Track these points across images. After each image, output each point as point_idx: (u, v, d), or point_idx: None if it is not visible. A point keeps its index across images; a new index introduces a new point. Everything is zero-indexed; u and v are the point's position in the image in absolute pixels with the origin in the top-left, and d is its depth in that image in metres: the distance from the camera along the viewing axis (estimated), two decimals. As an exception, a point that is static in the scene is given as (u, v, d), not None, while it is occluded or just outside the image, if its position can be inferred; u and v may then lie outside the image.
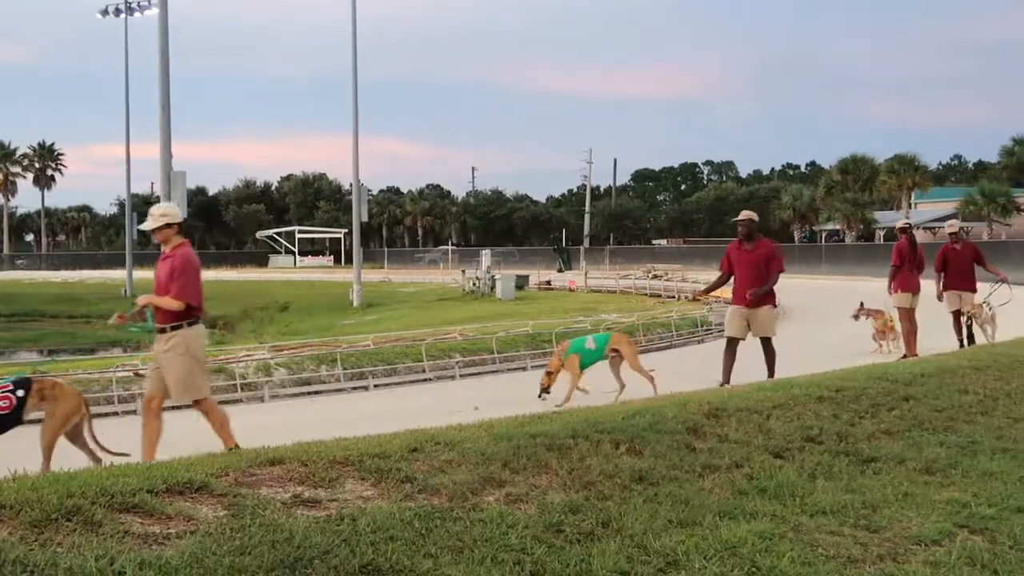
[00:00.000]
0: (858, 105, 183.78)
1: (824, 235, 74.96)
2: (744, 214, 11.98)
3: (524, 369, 17.04)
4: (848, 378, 8.83)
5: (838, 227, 69.43)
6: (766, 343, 11.66)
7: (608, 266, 58.86)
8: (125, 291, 54.14)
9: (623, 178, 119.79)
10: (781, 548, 4.46)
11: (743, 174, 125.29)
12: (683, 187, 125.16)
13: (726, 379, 11.20)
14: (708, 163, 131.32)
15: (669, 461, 5.77)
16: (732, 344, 11.71)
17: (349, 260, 57.85)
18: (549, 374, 12.23)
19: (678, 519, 4.79)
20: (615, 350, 12.24)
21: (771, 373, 11.20)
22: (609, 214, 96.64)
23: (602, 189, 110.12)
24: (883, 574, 4.25)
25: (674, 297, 34.57)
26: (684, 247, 72.57)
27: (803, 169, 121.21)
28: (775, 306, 12.14)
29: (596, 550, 4.25)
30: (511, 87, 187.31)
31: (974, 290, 14.46)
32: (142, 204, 76.19)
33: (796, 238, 75.35)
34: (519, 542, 4.24)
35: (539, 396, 11.75)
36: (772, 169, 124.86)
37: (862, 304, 17.06)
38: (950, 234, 14.77)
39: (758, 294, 11.40)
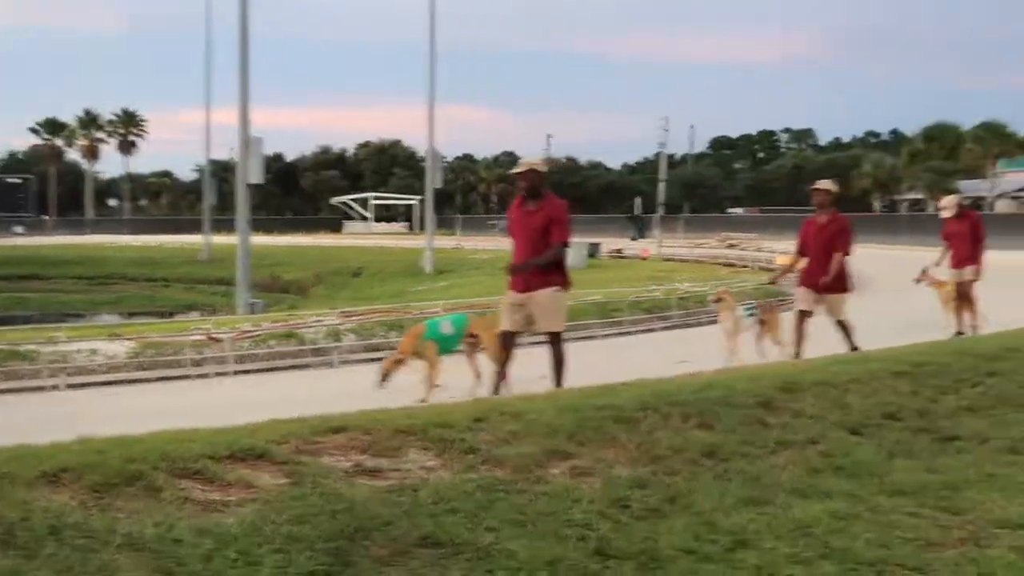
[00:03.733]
0: (945, 71, 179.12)
1: (906, 204, 73.30)
2: (820, 183, 11.28)
3: (593, 338, 16.89)
4: (929, 352, 8.54)
5: (920, 196, 67.82)
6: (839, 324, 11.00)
7: (683, 234, 58.19)
8: (202, 255, 54.99)
9: (700, 146, 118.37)
10: (856, 529, 4.28)
11: (822, 142, 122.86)
12: (760, 155, 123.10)
13: (797, 354, 10.75)
14: (786, 130, 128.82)
15: (740, 436, 5.60)
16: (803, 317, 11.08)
17: (423, 226, 58.09)
18: (397, 361, 10.29)
19: (749, 496, 4.63)
20: (474, 336, 10.57)
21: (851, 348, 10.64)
22: (684, 182, 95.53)
23: (678, 157, 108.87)
24: (965, 559, 4.05)
25: (748, 267, 34.08)
26: (760, 216, 71.44)
27: (885, 137, 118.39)
28: (845, 291, 11.18)
29: (663, 527, 4.13)
30: (588, 54, 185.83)
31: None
32: (221, 170, 77.24)
33: (876, 207, 73.83)
34: (583, 517, 4.13)
35: (379, 385, 9.91)
36: (853, 137, 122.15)
37: (925, 270, 16.52)
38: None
39: (826, 283, 10.74)
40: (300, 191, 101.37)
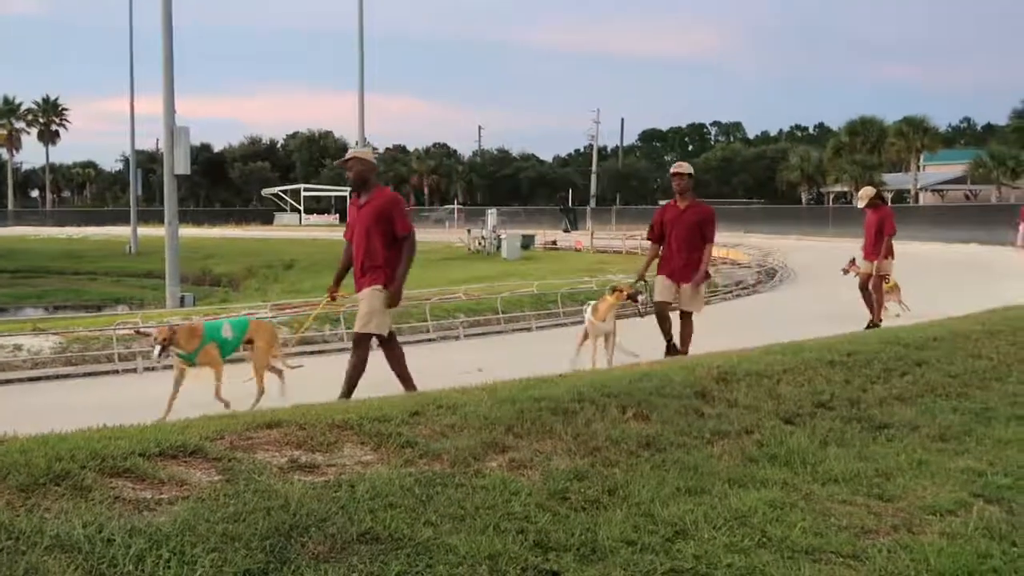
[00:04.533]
0: (868, 67, 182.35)
1: (832, 197, 74.54)
2: (680, 166, 10.53)
3: (529, 330, 16.92)
4: (859, 342, 8.68)
5: (846, 189, 69.03)
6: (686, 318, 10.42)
7: (614, 227, 58.45)
8: (129, 248, 54.05)
9: (630, 138, 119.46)
10: (792, 518, 4.32)
11: (751, 135, 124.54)
12: (690, 148, 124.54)
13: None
14: (716, 124, 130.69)
15: (677, 427, 5.63)
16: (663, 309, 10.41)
17: (354, 219, 57.63)
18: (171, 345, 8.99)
19: (686, 487, 4.66)
20: (251, 341, 9.57)
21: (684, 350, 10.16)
22: (616, 174, 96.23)
23: (609, 149, 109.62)
24: (898, 545, 4.10)
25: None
26: (690, 208, 72.02)
27: (811, 131, 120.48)
28: (700, 281, 10.43)
29: (602, 519, 4.13)
30: (520, 45, 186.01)
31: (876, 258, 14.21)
32: (147, 161, 75.98)
33: (803, 200, 74.96)
34: (523, 510, 4.11)
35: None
36: (780, 130, 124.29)
37: (853, 260, 16.72)
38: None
39: (700, 279, 10.24)
40: (229, 182, 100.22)
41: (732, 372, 6.94)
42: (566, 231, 58.02)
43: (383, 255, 8.16)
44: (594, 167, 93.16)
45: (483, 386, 6.31)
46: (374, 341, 8.34)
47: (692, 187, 10.41)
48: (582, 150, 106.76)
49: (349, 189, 8.49)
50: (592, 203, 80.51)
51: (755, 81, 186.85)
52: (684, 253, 10.23)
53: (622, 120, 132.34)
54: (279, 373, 9.53)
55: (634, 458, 5.04)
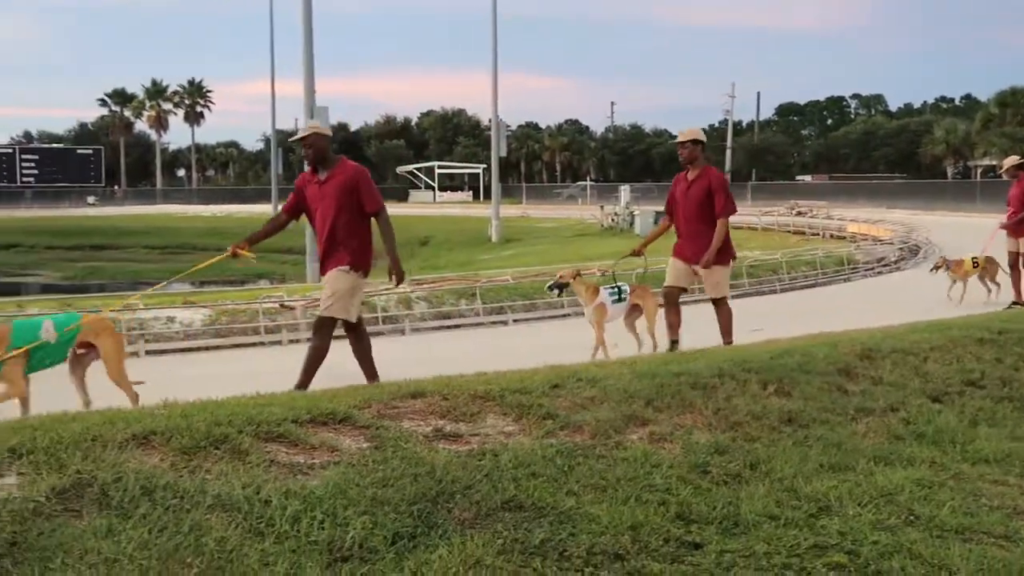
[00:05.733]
0: (1020, 34, 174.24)
1: (979, 171, 71.74)
2: (685, 132, 9.20)
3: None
4: (1012, 320, 8.39)
5: (995, 163, 66.33)
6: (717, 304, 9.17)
7: (750, 202, 57.52)
8: (272, 225, 55.52)
9: (766, 112, 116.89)
10: (941, 497, 4.24)
11: (893, 108, 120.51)
12: (829, 121, 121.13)
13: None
14: (856, 96, 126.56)
15: (820, 403, 5.56)
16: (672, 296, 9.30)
17: (488, 195, 58.08)
18: None
19: (830, 463, 4.61)
20: (87, 345, 7.22)
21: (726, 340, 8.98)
22: (751, 149, 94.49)
23: (744, 124, 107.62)
24: (1054, 528, 3.98)
25: (819, 235, 33.64)
26: (829, 183, 70.39)
27: (958, 102, 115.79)
28: (727, 263, 9.12)
29: (744, 493, 4.12)
30: (652, 20, 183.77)
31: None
32: (287, 140, 77.92)
33: (949, 174, 72.38)
34: (664, 482, 4.13)
35: None
36: (924, 103, 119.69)
37: (943, 258, 15.90)
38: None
39: (709, 259, 8.76)
40: (365, 160, 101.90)
41: (876, 349, 6.79)
42: (700, 207, 57.22)
43: (350, 234, 7.49)
44: (729, 142, 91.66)
45: (622, 360, 6.34)
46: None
47: (700, 155, 9.02)
48: (716, 125, 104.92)
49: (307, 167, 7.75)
50: (728, 178, 79.26)
51: (897, 52, 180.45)
52: (695, 231, 8.98)
53: (758, 94, 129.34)
54: (133, 396, 7.06)
55: (776, 433, 5.00)
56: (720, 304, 9.06)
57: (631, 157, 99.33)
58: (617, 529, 3.62)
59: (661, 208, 40.69)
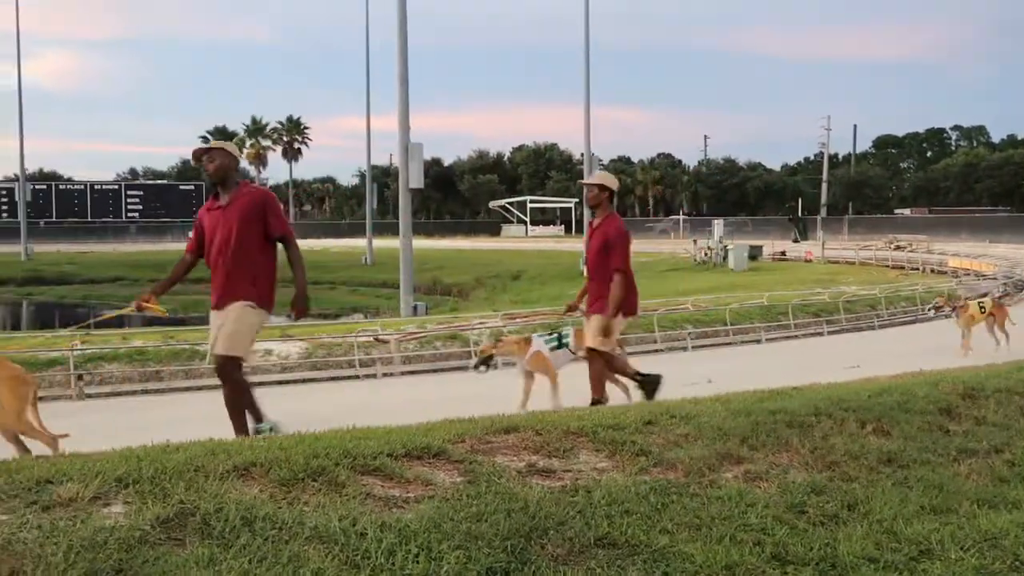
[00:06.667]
0: None
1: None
2: (594, 176, 8.86)
3: (759, 342, 16.61)
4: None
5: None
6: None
7: (847, 236, 56.70)
8: (366, 259, 56.44)
9: (863, 145, 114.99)
10: (1049, 542, 4.10)
11: (996, 139, 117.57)
12: (929, 154, 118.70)
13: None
14: (956, 128, 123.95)
15: (920, 443, 5.43)
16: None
17: (580, 229, 58.17)
18: None
19: (931, 505, 4.49)
20: None
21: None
22: (848, 182, 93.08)
23: (840, 157, 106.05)
24: None
25: (918, 269, 32.95)
26: (930, 217, 68.96)
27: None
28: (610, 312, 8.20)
29: (842, 534, 4.04)
30: (744, 52, 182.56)
31: None
32: (381, 175, 79.19)
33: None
34: (759, 522, 4.08)
35: None
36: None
37: (948, 296, 14.83)
38: None
39: (613, 309, 8.12)
40: (458, 195, 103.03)
41: (980, 388, 6.62)
42: (795, 241, 56.54)
43: (254, 264, 6.89)
44: (824, 175, 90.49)
45: (716, 397, 6.29)
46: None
47: (607, 202, 8.52)
48: (812, 158, 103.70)
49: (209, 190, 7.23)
50: (823, 212, 78.16)
51: (999, 82, 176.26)
52: (594, 282, 8.41)
53: (854, 126, 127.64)
54: (51, 440, 6.42)
55: (874, 474, 4.90)
56: (592, 355, 8.37)
57: (725, 191, 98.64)
58: (712, 569, 3.59)
59: (756, 242, 40.28)
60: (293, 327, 13.76)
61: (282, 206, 7.15)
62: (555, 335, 9.45)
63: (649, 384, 8.46)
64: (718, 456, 4.86)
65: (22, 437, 6.41)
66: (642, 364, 10.96)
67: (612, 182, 8.64)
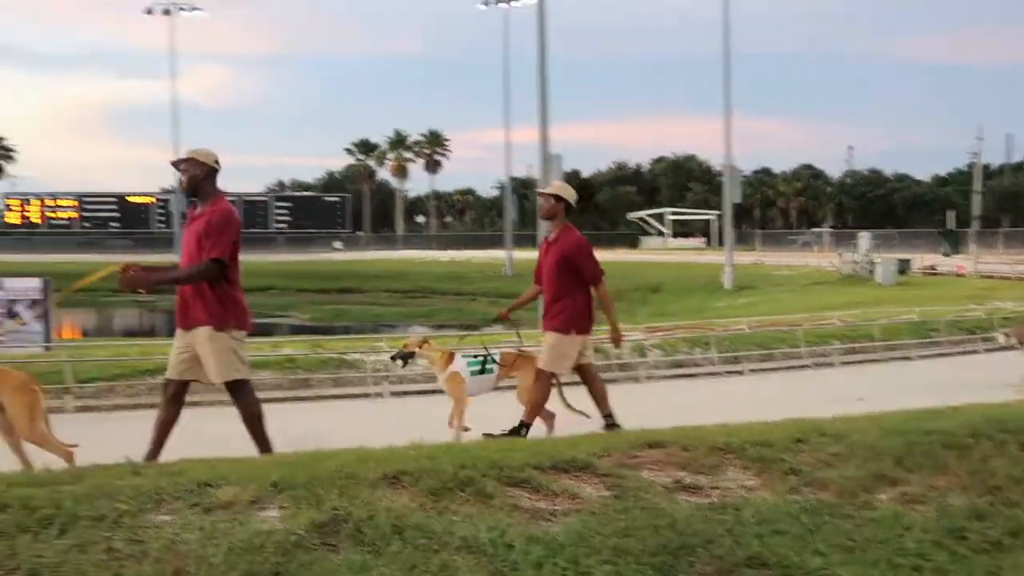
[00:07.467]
0: None
1: None
2: (549, 186, 8.35)
3: (909, 359, 16.09)
4: None
5: None
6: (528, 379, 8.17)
7: (1002, 250, 54.46)
8: (505, 270, 56.89)
9: (1019, 154, 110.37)
10: None
11: None
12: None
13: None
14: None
15: (1090, 469, 5.17)
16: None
17: (721, 242, 57.45)
18: None
19: (1102, 535, 4.27)
20: None
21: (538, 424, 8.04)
22: (1002, 194, 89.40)
23: (994, 167, 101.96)
24: None
25: (1080, 285, 31.42)
26: (1093, 229, 65.65)
27: None
28: (562, 331, 7.92)
29: (1007, 562, 3.89)
30: (890, 60, 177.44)
31: None
32: (521, 187, 79.73)
33: None
34: (916, 546, 3.96)
35: None
36: None
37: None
38: None
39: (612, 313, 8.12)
40: (597, 207, 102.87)
41: None
42: (946, 255, 54.55)
43: (211, 285, 6.39)
44: (977, 187, 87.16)
45: (868, 416, 6.11)
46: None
47: (562, 213, 8.03)
48: (964, 169, 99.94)
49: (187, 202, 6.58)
50: (976, 225, 75.32)
51: None
52: (550, 298, 8.03)
53: (1007, 136, 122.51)
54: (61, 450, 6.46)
55: (1039, 500, 4.68)
56: (539, 375, 7.99)
57: (870, 202, 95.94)
58: (867, 593, 3.49)
59: (904, 256, 38.92)
60: (433, 338, 13.91)
61: (235, 231, 6.49)
62: (480, 359, 8.68)
63: (523, 431, 7.85)
64: (872, 477, 4.72)
65: (29, 452, 6.33)
66: (790, 380, 10.72)
67: (568, 193, 8.13)
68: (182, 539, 3.51)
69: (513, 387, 8.70)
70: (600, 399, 8.04)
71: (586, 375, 8.12)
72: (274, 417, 6.63)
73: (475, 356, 8.68)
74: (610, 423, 7.83)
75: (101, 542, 3.45)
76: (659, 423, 5.82)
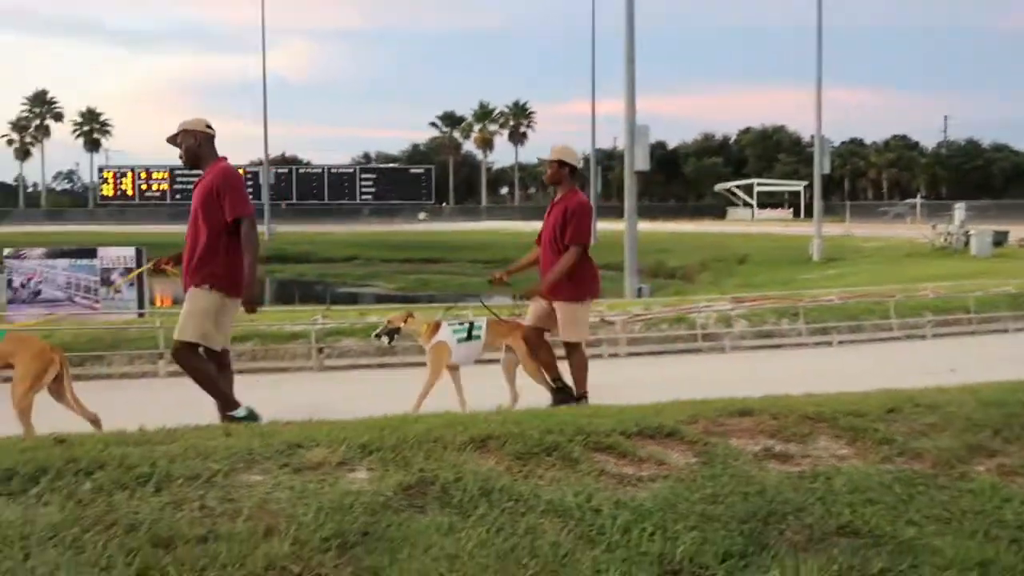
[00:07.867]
0: None
1: None
2: (553, 151, 8.10)
3: (1005, 331, 15.66)
4: None
5: None
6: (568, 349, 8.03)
7: (1104, 223, 52.58)
8: (589, 241, 56.71)
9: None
10: None
11: None
12: None
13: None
14: None
15: None
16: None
17: (809, 213, 56.52)
18: None
19: None
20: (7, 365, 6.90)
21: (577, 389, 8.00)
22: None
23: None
24: None
25: None
26: None
27: None
28: (576, 299, 7.90)
29: (1109, 537, 3.74)
30: (989, 26, 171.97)
31: None
32: (605, 158, 79.35)
33: None
34: (1015, 519, 3.84)
35: None
36: None
37: None
38: None
39: (548, 284, 7.77)
40: (682, 178, 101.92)
41: None
42: (1045, 227, 52.95)
43: (210, 247, 6.50)
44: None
45: (964, 387, 5.96)
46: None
47: (567, 178, 7.99)
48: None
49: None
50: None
51: None
52: (548, 262, 7.94)
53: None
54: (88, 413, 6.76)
55: None
56: (571, 349, 7.96)
57: (966, 173, 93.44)
58: (964, 564, 3.40)
59: (1001, 228, 37.82)
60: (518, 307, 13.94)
61: (244, 184, 6.69)
62: (465, 325, 8.57)
63: (563, 396, 7.91)
64: (968, 448, 4.61)
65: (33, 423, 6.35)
66: (881, 352, 10.52)
67: (572, 157, 8.06)
68: (273, 498, 3.57)
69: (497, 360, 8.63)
70: (549, 366, 8.12)
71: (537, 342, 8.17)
72: (360, 384, 6.70)
73: (460, 324, 8.61)
74: (559, 388, 8.00)
75: (195, 500, 3.52)
76: (746, 393, 5.75)
